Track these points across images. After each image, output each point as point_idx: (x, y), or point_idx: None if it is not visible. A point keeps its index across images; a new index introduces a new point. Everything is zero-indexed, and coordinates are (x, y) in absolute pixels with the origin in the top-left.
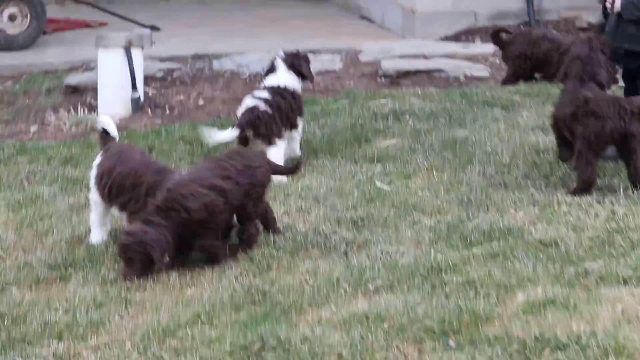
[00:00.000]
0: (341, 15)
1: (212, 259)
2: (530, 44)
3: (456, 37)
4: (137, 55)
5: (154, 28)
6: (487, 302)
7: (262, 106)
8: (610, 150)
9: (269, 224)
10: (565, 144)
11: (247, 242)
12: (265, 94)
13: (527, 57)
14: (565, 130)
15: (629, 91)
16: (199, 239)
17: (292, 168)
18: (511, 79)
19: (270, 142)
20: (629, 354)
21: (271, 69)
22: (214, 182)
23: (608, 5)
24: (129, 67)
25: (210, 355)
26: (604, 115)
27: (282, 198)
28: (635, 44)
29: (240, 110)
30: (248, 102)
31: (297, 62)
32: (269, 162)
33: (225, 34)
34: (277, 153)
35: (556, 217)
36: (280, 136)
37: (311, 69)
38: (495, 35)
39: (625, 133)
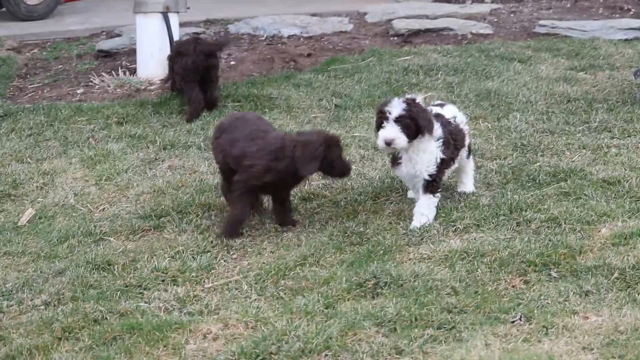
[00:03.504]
0: None
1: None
2: None
3: None
4: (173, 19)
5: None
6: (575, 236)
7: None
8: None
9: None
10: None
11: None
12: None
13: None
14: None
15: None
16: None
17: None
18: None
19: None
20: None
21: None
22: None
23: None
24: (168, 31)
25: (328, 293)
26: None
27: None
28: None
29: None
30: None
31: None
32: None
33: (228, 1)
34: None
35: (610, 158)
36: None
37: None
38: None
39: None
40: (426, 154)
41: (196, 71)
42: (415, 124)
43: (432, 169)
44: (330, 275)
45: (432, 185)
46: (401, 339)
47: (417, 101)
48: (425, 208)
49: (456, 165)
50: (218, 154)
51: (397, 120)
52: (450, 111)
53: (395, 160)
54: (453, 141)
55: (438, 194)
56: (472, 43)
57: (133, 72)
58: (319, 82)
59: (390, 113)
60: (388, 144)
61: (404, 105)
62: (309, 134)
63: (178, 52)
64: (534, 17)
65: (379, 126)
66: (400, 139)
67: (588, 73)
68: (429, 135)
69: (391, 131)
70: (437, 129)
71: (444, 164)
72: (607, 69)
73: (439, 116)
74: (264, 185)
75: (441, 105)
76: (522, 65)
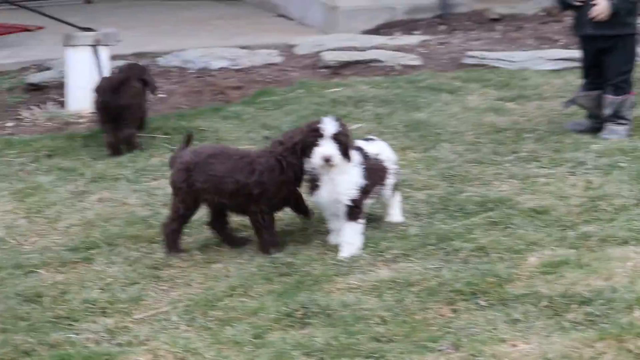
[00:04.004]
0: (258, 14)
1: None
2: None
3: (376, 31)
4: (103, 52)
5: (89, 30)
6: (504, 265)
7: None
8: (582, 124)
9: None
10: None
11: None
12: None
13: None
14: None
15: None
16: None
17: None
18: None
19: None
20: None
21: None
22: None
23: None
24: (98, 65)
25: (257, 323)
26: None
27: None
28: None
29: None
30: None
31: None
32: None
33: (157, 34)
34: None
35: (538, 188)
36: None
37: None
38: None
39: None
40: (347, 177)
41: (104, 111)
42: (346, 143)
43: (354, 193)
44: (259, 305)
45: (354, 211)
46: None
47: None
48: (351, 236)
49: (372, 200)
50: (195, 197)
51: (334, 137)
52: (376, 148)
53: (315, 186)
54: (371, 173)
55: (362, 220)
56: (401, 74)
57: (63, 105)
58: (247, 114)
59: (325, 130)
60: (327, 160)
61: (338, 123)
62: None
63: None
64: (463, 48)
65: (311, 145)
66: (338, 156)
67: (517, 103)
68: (348, 159)
69: (329, 148)
70: (356, 155)
71: (364, 191)
72: (536, 99)
73: (358, 148)
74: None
75: (368, 140)
76: (451, 96)
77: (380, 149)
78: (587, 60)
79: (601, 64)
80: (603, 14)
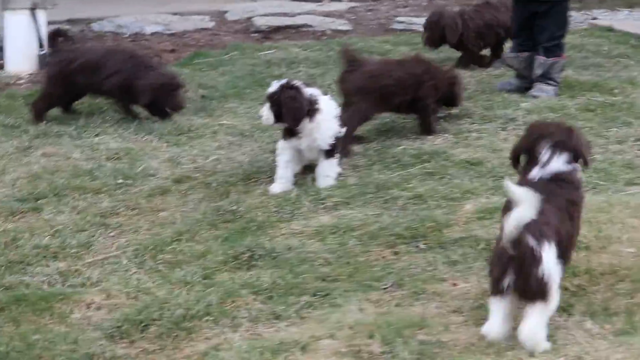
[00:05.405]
0: None
1: None
2: None
3: None
4: (41, 15)
5: None
6: (441, 211)
7: None
8: (511, 83)
9: None
10: None
11: None
12: None
13: None
14: None
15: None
16: None
17: None
18: None
19: None
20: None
21: None
22: None
23: None
24: (36, 27)
25: (205, 265)
26: None
27: (211, 134)
28: None
29: None
30: None
31: None
32: None
33: (90, 1)
34: None
35: (471, 142)
36: None
37: None
38: None
39: None
40: (326, 126)
41: None
42: (279, 105)
43: (331, 140)
44: (206, 249)
45: (330, 152)
46: (278, 305)
47: (296, 88)
48: (328, 169)
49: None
50: None
51: (268, 98)
52: (322, 102)
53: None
54: None
55: (337, 155)
56: (332, 38)
57: (2, 67)
58: (184, 75)
59: (267, 92)
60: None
61: (276, 88)
62: None
63: None
64: (390, 14)
65: None
66: (266, 117)
67: (447, 64)
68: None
69: (263, 108)
70: (326, 104)
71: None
72: None
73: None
74: None
75: None
76: (382, 58)
77: (325, 102)
78: (519, 22)
79: (533, 27)
80: None
